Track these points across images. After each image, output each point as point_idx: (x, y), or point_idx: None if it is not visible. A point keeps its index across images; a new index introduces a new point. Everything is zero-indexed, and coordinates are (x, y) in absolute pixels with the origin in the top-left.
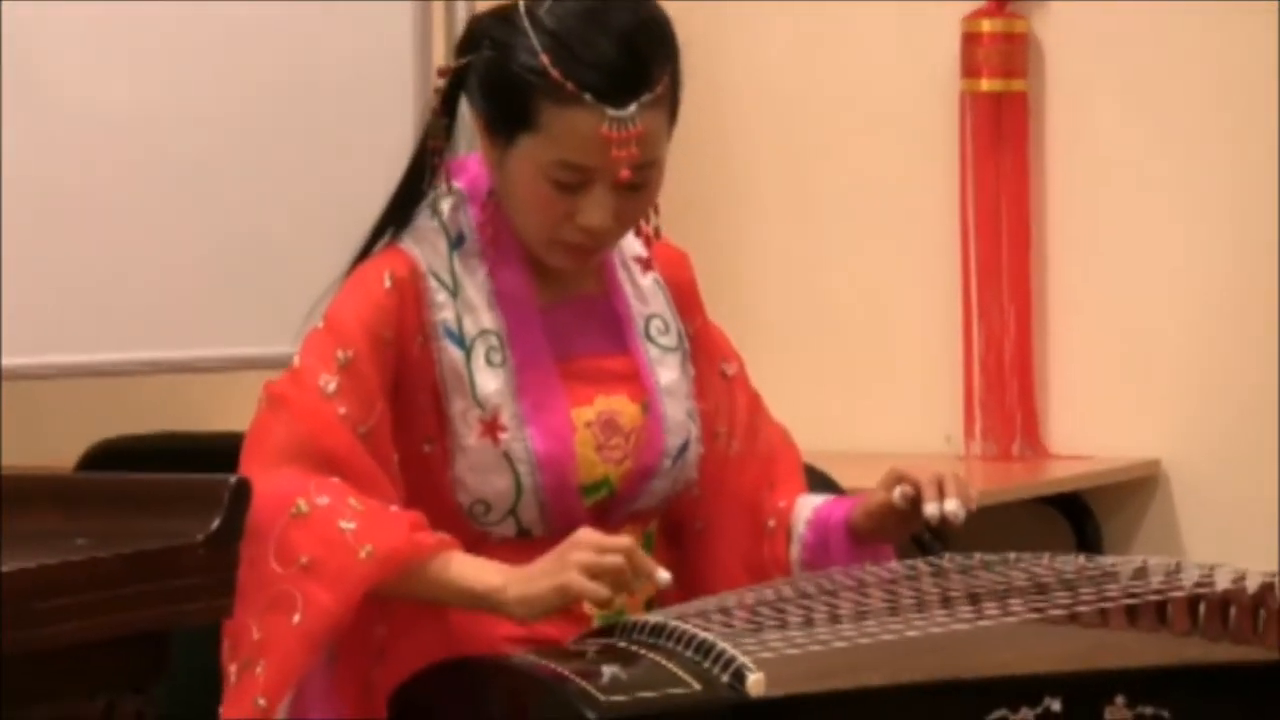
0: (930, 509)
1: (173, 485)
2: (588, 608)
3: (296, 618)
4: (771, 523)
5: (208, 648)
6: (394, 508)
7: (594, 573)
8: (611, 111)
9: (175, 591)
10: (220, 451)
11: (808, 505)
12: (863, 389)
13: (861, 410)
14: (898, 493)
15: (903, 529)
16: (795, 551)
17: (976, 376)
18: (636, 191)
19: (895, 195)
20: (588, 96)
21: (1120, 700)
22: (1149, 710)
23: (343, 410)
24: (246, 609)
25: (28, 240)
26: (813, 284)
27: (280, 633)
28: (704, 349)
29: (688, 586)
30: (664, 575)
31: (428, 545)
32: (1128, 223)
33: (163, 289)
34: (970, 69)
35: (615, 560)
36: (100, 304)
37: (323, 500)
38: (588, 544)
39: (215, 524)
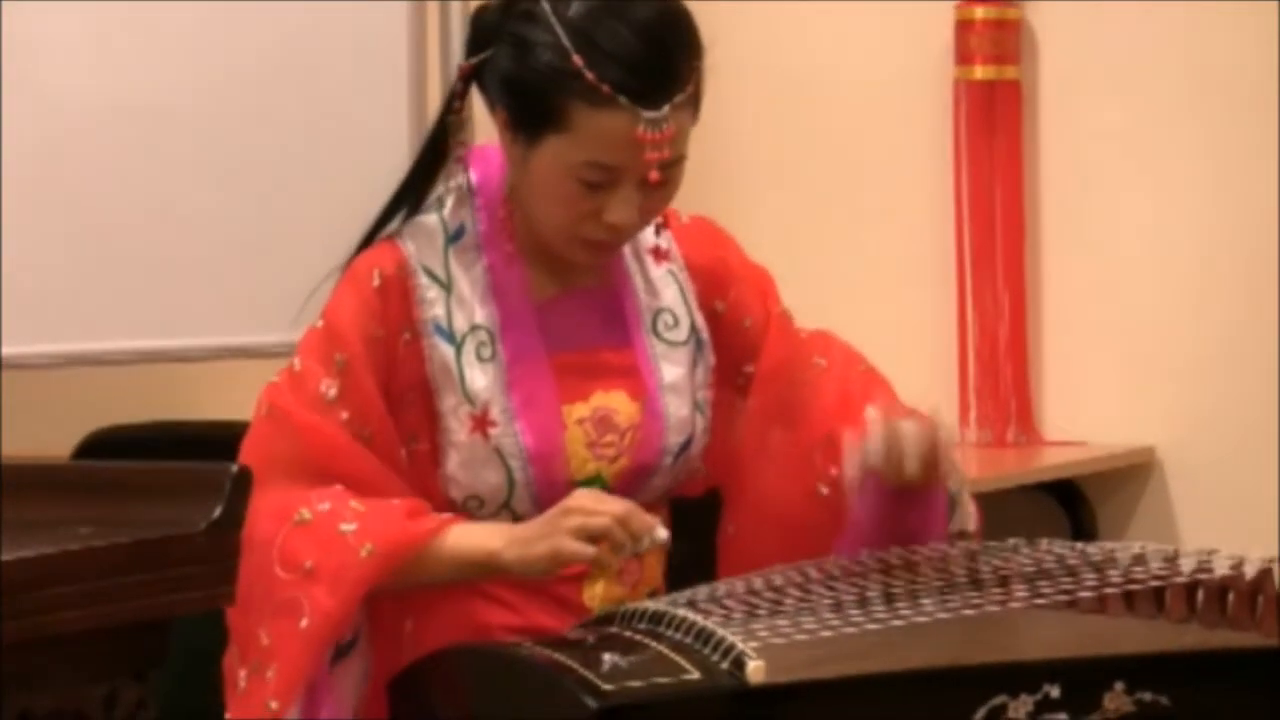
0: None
1: (173, 473)
2: (588, 598)
3: (304, 622)
4: (825, 490)
5: (208, 635)
6: (395, 501)
7: (584, 535)
8: (646, 114)
9: (176, 579)
10: (216, 440)
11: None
12: None
13: None
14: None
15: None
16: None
17: (971, 364)
18: (662, 188)
19: (888, 182)
20: (622, 99)
21: (1119, 687)
22: (1148, 696)
23: (345, 415)
24: (254, 616)
25: (22, 231)
26: (806, 271)
27: (288, 637)
28: (743, 306)
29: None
30: (662, 532)
31: (425, 531)
32: (1121, 209)
33: (157, 278)
34: (963, 56)
35: (603, 522)
36: (95, 293)
37: (324, 506)
38: (579, 508)
39: (216, 512)
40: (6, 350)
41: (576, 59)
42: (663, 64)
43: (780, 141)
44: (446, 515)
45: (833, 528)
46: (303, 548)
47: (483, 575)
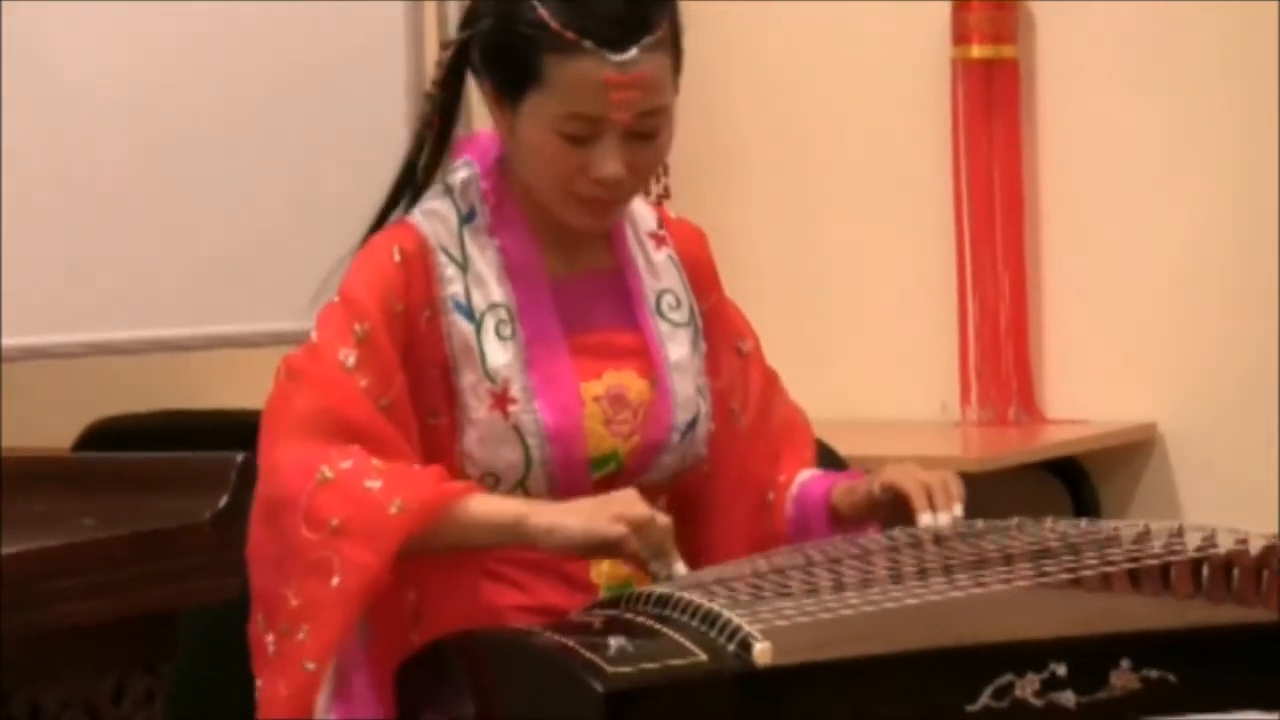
0: (926, 519)
1: (178, 464)
2: (595, 575)
3: (335, 580)
4: (770, 496)
5: (218, 626)
6: (416, 465)
7: (621, 521)
8: (612, 56)
9: (183, 570)
10: (217, 429)
11: (798, 480)
12: (858, 358)
13: (857, 379)
14: (878, 487)
15: (885, 519)
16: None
17: (972, 343)
18: (647, 141)
19: (887, 162)
20: (588, 43)
21: (1125, 664)
22: (1154, 674)
23: (363, 383)
24: (281, 578)
25: (21, 221)
26: (806, 253)
27: (320, 596)
28: (719, 326)
29: (693, 561)
30: (681, 567)
31: (455, 490)
32: (1121, 186)
33: (158, 268)
34: (961, 36)
35: (643, 513)
36: (95, 283)
37: (346, 464)
38: (623, 498)
39: (222, 502)
40: (6, 342)
41: (543, 12)
42: (628, 9)
43: (778, 122)
44: (471, 482)
45: (772, 538)
46: (329, 506)
47: (505, 540)
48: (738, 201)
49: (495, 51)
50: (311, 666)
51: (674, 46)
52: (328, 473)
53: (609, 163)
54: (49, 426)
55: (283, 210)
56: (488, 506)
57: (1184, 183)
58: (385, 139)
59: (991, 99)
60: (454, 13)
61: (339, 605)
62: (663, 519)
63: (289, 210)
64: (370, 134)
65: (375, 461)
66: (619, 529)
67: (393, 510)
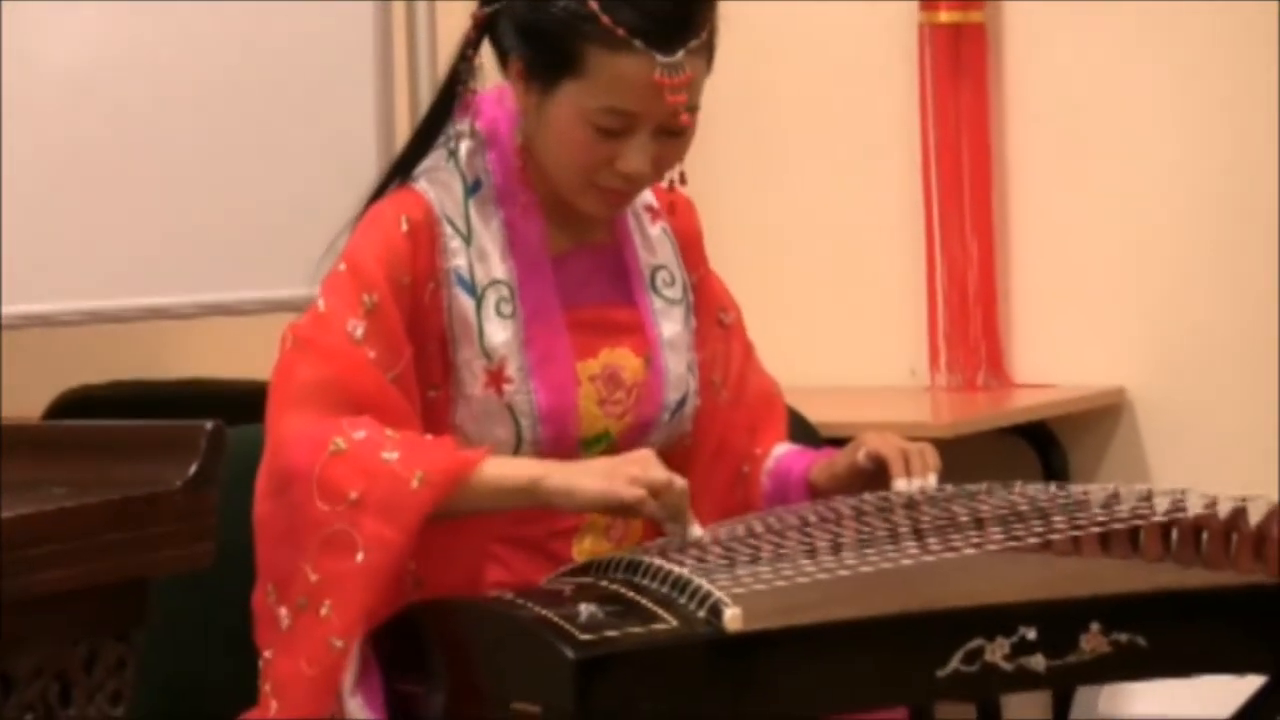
0: (900, 484)
1: (148, 432)
2: (577, 554)
3: (360, 556)
4: (746, 469)
5: (188, 594)
6: (428, 435)
7: (638, 485)
8: (661, 58)
9: (154, 538)
10: (186, 398)
11: (773, 454)
12: (827, 323)
13: (826, 345)
14: (862, 455)
15: (864, 491)
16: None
17: (940, 308)
18: (675, 137)
19: (855, 128)
20: (638, 43)
21: (1095, 628)
22: (1124, 637)
23: (372, 354)
24: (295, 550)
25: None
26: (774, 219)
27: (344, 572)
28: (704, 297)
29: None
30: (696, 530)
31: (472, 458)
32: (1088, 151)
33: (132, 237)
34: (928, 0)
35: (661, 477)
36: (61, 253)
37: (359, 434)
38: (640, 459)
39: (192, 469)
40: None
41: (593, 3)
42: (678, 9)
43: (746, 87)
44: (485, 447)
45: (745, 509)
46: (345, 478)
47: (521, 503)
48: (704, 166)
49: (532, 31)
50: (340, 644)
51: (711, 47)
52: (340, 444)
53: (638, 158)
54: (18, 396)
55: (247, 180)
56: (504, 470)
57: (1150, 147)
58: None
59: (959, 63)
60: (423, 12)
61: (364, 581)
62: (680, 481)
63: (254, 181)
64: (338, 135)
65: (389, 431)
66: (636, 492)
67: (414, 484)
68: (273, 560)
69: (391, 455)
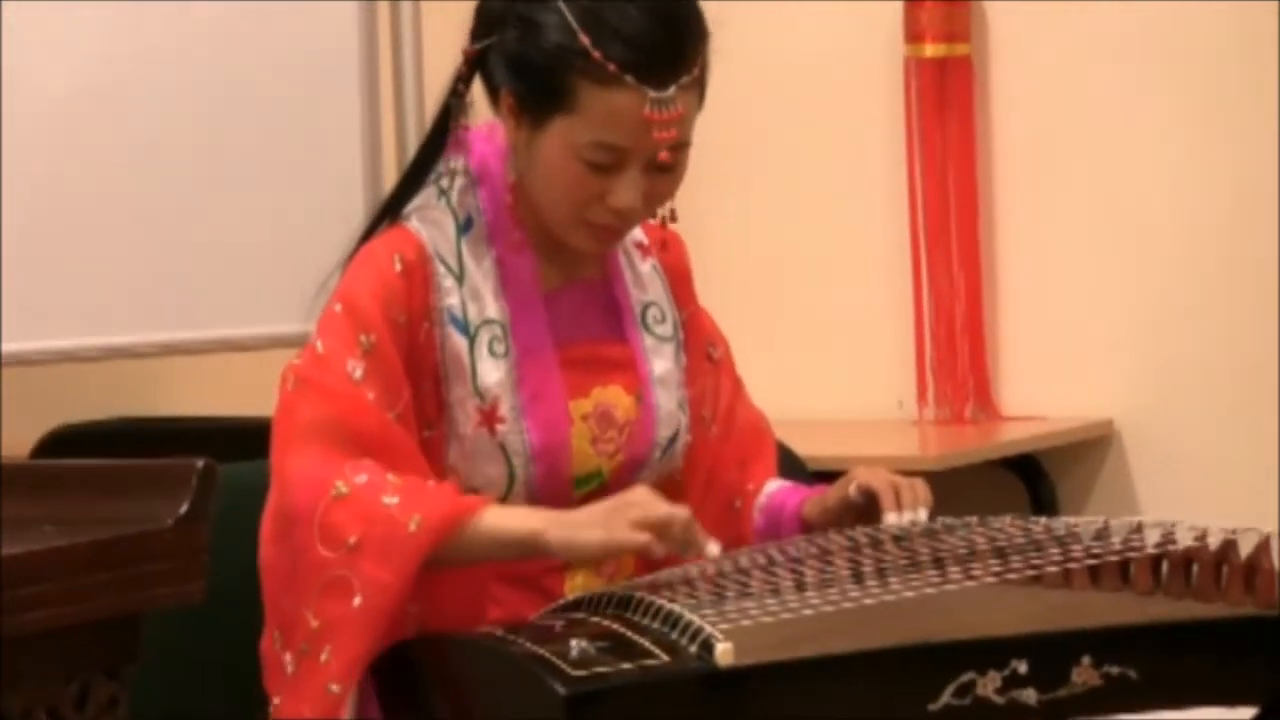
0: (891, 518)
1: (139, 470)
2: (569, 589)
3: (357, 600)
4: (738, 504)
5: (181, 631)
6: (430, 481)
7: (641, 527)
8: (653, 93)
9: (146, 576)
10: (176, 435)
11: (766, 490)
12: (814, 356)
13: (814, 377)
14: (854, 488)
15: (856, 524)
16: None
17: (928, 341)
18: (667, 173)
19: (841, 162)
20: (629, 78)
21: (1086, 660)
22: (1115, 670)
23: (371, 395)
24: (298, 596)
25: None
26: (761, 252)
27: (342, 617)
28: (694, 333)
29: (655, 566)
30: (714, 548)
31: (471, 505)
32: (1074, 183)
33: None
34: (914, 34)
35: (663, 512)
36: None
37: (361, 479)
38: (639, 502)
39: (184, 508)
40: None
41: (584, 38)
42: (670, 44)
43: (733, 121)
44: (486, 495)
45: (737, 543)
46: (345, 523)
47: (522, 555)
48: (691, 200)
49: (523, 66)
50: (336, 689)
51: (703, 83)
52: (342, 488)
53: (629, 193)
54: (6, 433)
55: (234, 214)
56: (503, 521)
57: (1136, 180)
58: (339, 151)
59: (945, 97)
60: (407, 13)
61: (360, 626)
62: (681, 513)
63: (240, 214)
64: (324, 145)
65: (390, 476)
66: (640, 538)
67: (412, 528)
68: (278, 606)
69: (392, 500)
